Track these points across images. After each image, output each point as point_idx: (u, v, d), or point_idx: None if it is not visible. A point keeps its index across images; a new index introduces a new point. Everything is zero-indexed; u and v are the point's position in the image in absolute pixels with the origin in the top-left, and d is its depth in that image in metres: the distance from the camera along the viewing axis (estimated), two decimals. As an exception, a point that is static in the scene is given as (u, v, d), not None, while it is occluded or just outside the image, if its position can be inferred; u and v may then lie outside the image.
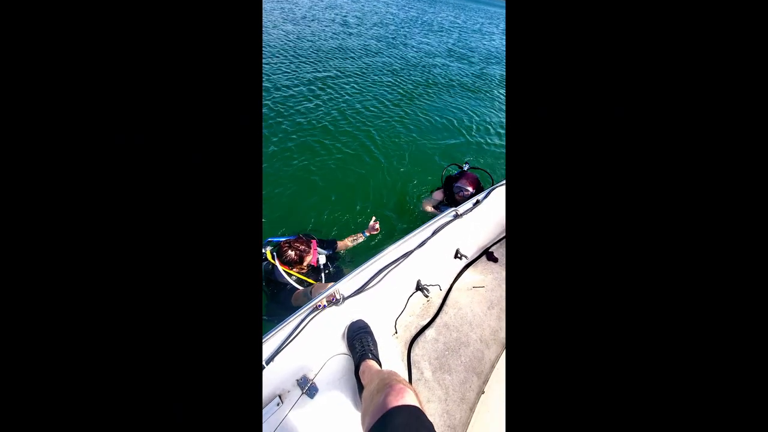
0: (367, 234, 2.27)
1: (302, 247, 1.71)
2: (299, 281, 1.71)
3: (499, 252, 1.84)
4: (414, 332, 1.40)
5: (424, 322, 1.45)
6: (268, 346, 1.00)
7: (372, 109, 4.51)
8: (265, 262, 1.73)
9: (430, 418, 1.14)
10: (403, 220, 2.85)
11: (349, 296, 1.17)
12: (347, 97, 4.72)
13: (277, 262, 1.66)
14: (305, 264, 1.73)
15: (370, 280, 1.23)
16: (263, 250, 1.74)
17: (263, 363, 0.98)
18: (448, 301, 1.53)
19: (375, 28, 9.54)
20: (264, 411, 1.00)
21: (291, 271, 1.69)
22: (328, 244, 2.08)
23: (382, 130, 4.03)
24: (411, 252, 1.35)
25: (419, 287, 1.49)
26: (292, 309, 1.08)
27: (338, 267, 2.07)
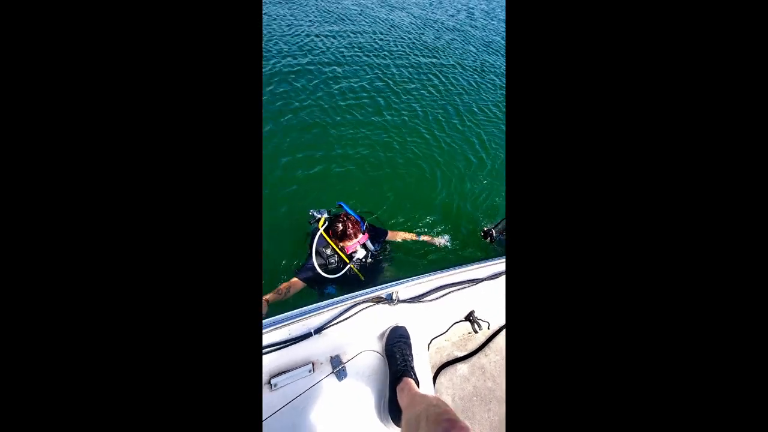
0: (426, 239, 2.18)
1: (349, 231, 1.74)
2: (334, 252, 1.79)
3: None
4: (446, 359, 1.30)
5: (460, 354, 1.33)
6: (321, 318, 1.09)
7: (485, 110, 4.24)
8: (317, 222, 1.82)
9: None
10: (471, 243, 2.53)
11: (404, 300, 1.13)
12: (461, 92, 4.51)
13: (321, 230, 1.75)
14: (341, 244, 1.76)
15: (428, 292, 1.15)
16: (324, 213, 1.82)
17: (312, 331, 1.06)
18: (492, 344, 1.39)
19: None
20: (296, 371, 1.03)
21: (330, 241, 1.76)
22: (379, 234, 2.06)
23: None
24: (480, 281, 1.24)
25: (470, 318, 1.36)
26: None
27: (377, 262, 2.02)
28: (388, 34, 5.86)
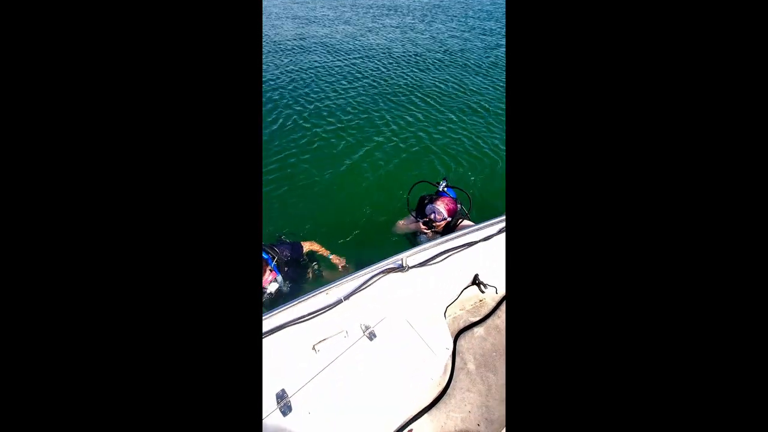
0: (331, 258, 2.27)
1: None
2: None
3: None
4: (462, 325, 1.40)
5: (474, 319, 1.43)
6: (345, 287, 1.33)
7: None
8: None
9: (468, 407, 1.13)
10: (374, 245, 2.62)
11: (414, 266, 1.26)
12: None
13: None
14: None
15: (434, 257, 1.28)
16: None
17: (342, 298, 1.30)
18: (503, 306, 1.49)
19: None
20: (335, 338, 1.20)
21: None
22: (294, 248, 2.17)
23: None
24: (475, 243, 1.37)
25: (476, 282, 1.48)
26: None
27: (297, 279, 2.12)
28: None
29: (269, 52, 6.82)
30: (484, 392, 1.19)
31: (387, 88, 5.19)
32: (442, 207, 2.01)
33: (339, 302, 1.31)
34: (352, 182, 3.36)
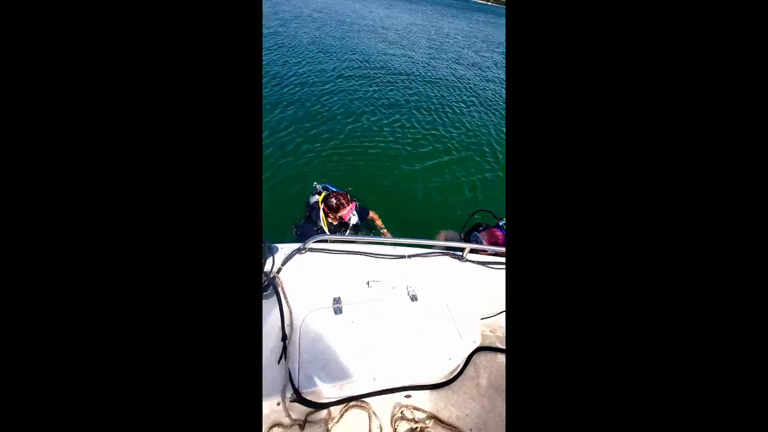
0: (383, 232, 2.63)
1: (343, 201, 2.22)
2: (329, 228, 2.28)
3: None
4: (488, 344, 1.36)
5: (501, 346, 1.39)
6: (409, 250, 1.49)
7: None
8: (314, 199, 2.38)
9: (467, 410, 1.10)
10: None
11: (471, 261, 1.39)
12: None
13: (321, 205, 2.22)
14: (338, 215, 2.22)
15: (492, 263, 1.32)
16: (317, 193, 2.41)
17: (407, 256, 1.44)
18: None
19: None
20: (384, 284, 1.34)
21: (326, 217, 2.26)
22: (362, 210, 2.55)
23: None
24: None
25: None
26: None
27: (361, 233, 2.49)
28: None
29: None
30: (487, 408, 1.14)
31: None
32: (484, 239, 2.05)
33: (402, 257, 1.42)
34: (428, 181, 3.69)
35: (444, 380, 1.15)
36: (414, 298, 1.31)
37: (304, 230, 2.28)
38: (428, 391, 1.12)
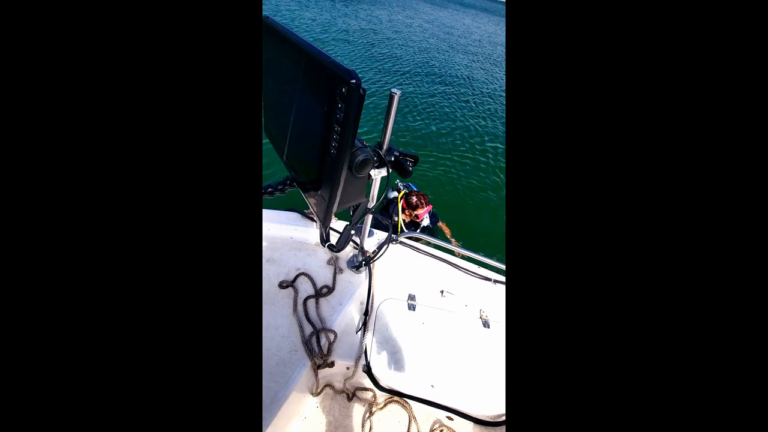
0: (452, 241, 2.75)
1: (423, 201, 2.44)
2: (403, 224, 2.50)
3: None
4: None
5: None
6: (494, 274, 1.52)
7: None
8: (393, 194, 2.62)
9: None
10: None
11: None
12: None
13: (401, 201, 2.47)
14: (414, 213, 2.44)
15: None
16: (396, 190, 2.64)
17: (493, 280, 1.47)
18: None
19: None
20: (457, 298, 1.39)
21: (403, 213, 2.49)
22: (433, 216, 2.75)
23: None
24: None
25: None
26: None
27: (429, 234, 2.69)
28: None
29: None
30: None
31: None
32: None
33: (487, 280, 1.43)
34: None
35: (493, 420, 1.07)
36: (486, 324, 1.30)
37: (378, 220, 2.55)
38: (472, 423, 1.07)
